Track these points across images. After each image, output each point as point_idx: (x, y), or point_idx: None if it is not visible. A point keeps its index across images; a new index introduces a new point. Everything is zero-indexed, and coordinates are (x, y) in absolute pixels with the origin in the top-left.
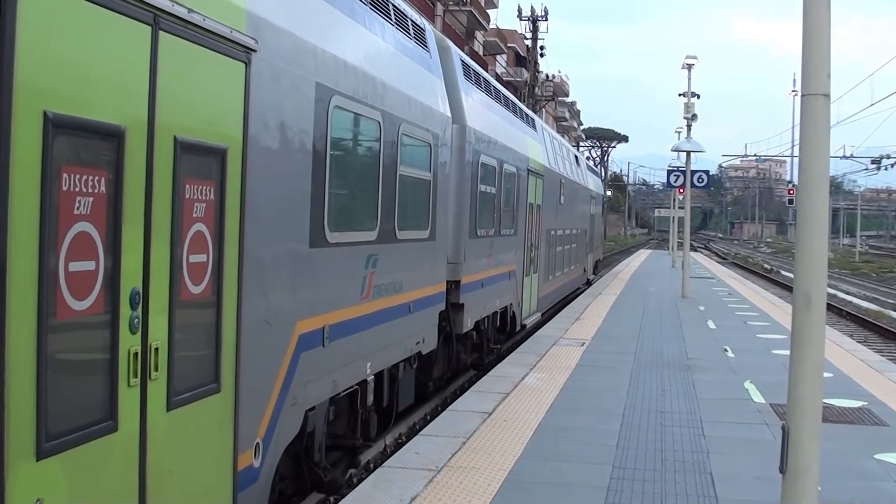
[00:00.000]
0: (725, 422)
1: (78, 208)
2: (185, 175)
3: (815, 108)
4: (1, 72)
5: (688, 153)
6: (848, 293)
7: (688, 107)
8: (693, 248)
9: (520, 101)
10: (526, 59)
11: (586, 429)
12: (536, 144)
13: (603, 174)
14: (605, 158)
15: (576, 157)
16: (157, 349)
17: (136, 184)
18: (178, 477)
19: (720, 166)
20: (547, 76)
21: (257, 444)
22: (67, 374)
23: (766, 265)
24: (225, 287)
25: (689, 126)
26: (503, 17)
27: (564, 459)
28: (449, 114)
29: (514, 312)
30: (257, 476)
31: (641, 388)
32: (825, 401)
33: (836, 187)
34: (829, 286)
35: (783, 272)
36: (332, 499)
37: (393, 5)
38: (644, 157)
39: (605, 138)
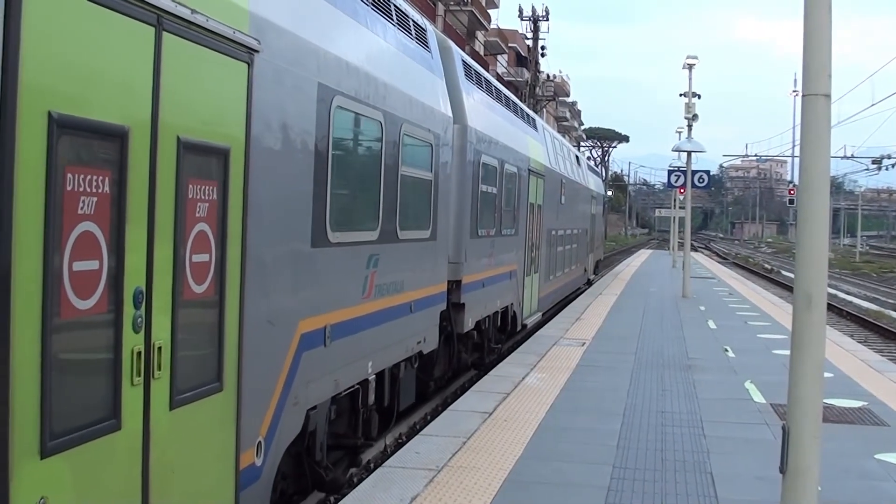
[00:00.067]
0: (726, 422)
1: (82, 208)
2: (187, 175)
3: (815, 109)
4: (6, 72)
5: (688, 153)
6: (848, 293)
7: (688, 107)
8: (694, 248)
9: (521, 101)
10: (527, 58)
11: (587, 429)
12: (537, 144)
13: (604, 174)
14: (606, 158)
15: (576, 157)
16: (160, 348)
17: (139, 184)
18: (181, 475)
19: (721, 166)
20: (548, 76)
21: (259, 442)
22: (71, 372)
23: (766, 265)
24: (227, 287)
25: (689, 126)
26: (504, 17)
27: (565, 459)
28: (450, 114)
29: (514, 312)
30: (259, 475)
31: (642, 388)
32: (825, 401)
33: (836, 187)
34: (830, 286)
35: (784, 272)
36: (332, 498)
37: (394, 6)
38: (645, 157)
39: (606, 138)
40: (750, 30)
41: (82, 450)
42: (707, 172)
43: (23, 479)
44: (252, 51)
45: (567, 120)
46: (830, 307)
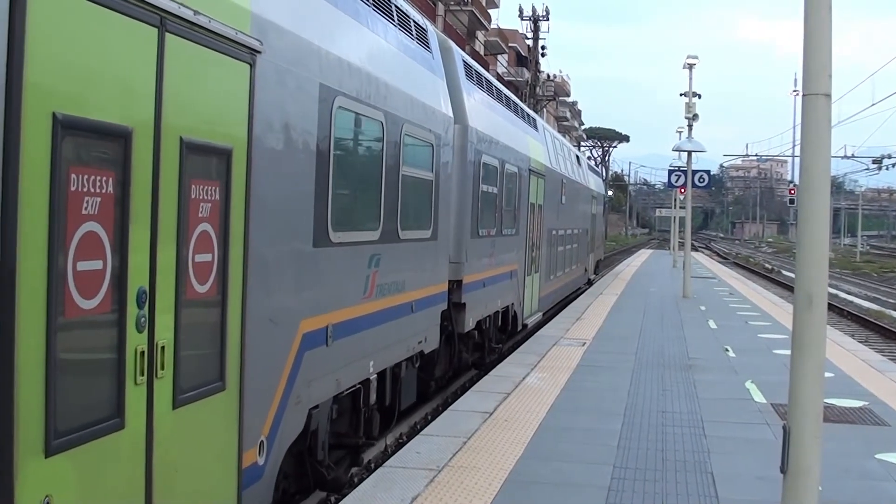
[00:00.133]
0: (726, 422)
1: (86, 208)
2: (190, 175)
3: (816, 108)
4: (11, 74)
5: (689, 153)
6: (849, 293)
7: (689, 107)
8: (694, 248)
9: (521, 100)
10: (527, 58)
11: (587, 429)
12: (538, 144)
13: (604, 174)
14: (607, 158)
15: (577, 156)
16: (163, 348)
17: (142, 184)
18: (184, 474)
19: (721, 166)
20: (548, 76)
21: (261, 441)
22: (75, 371)
23: (767, 265)
24: (230, 286)
25: (690, 126)
26: (504, 17)
27: (565, 459)
28: (451, 114)
29: (515, 312)
30: (261, 473)
31: (642, 388)
32: (826, 401)
33: (837, 187)
34: (831, 286)
35: (784, 272)
36: (333, 498)
37: (395, 6)
38: (645, 157)
39: (607, 138)
40: (751, 30)
41: (86, 449)
42: (707, 172)
43: (27, 477)
44: (254, 52)
45: (567, 120)
46: (831, 307)
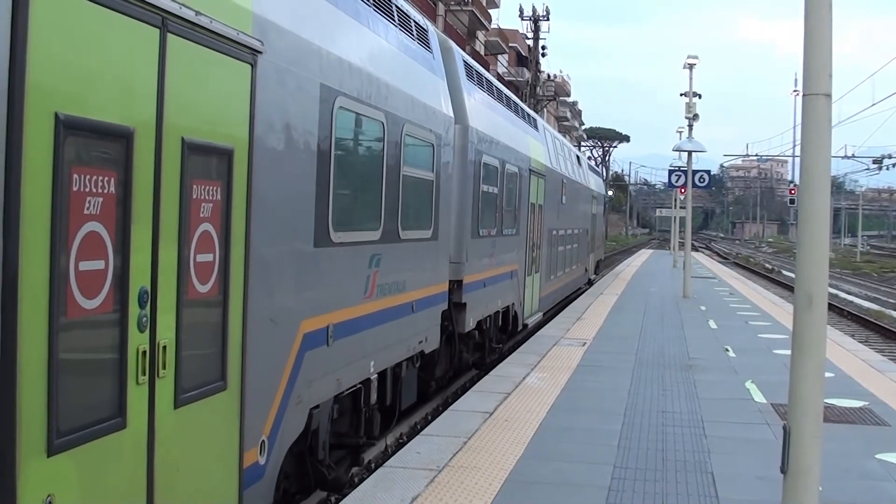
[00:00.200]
0: (727, 422)
1: (88, 208)
2: (192, 175)
3: (816, 108)
4: (14, 74)
5: (689, 153)
6: (849, 293)
7: (689, 106)
8: (694, 248)
9: (521, 100)
10: (527, 58)
11: (587, 429)
12: (538, 144)
13: (604, 174)
14: (607, 158)
15: (577, 156)
16: (164, 347)
17: (144, 184)
18: (185, 473)
19: (722, 166)
20: (548, 76)
21: (263, 441)
22: (77, 371)
23: (767, 265)
24: (231, 286)
25: (690, 126)
26: (504, 17)
27: (566, 459)
28: (451, 114)
29: (515, 312)
30: (263, 473)
31: (643, 388)
32: (826, 401)
33: (837, 187)
34: (831, 286)
35: (784, 272)
36: (333, 498)
37: (396, 6)
38: (645, 157)
39: (607, 138)
40: (751, 30)
41: (88, 448)
42: (708, 172)
43: (30, 477)
44: (255, 52)
45: (568, 120)
46: (831, 307)
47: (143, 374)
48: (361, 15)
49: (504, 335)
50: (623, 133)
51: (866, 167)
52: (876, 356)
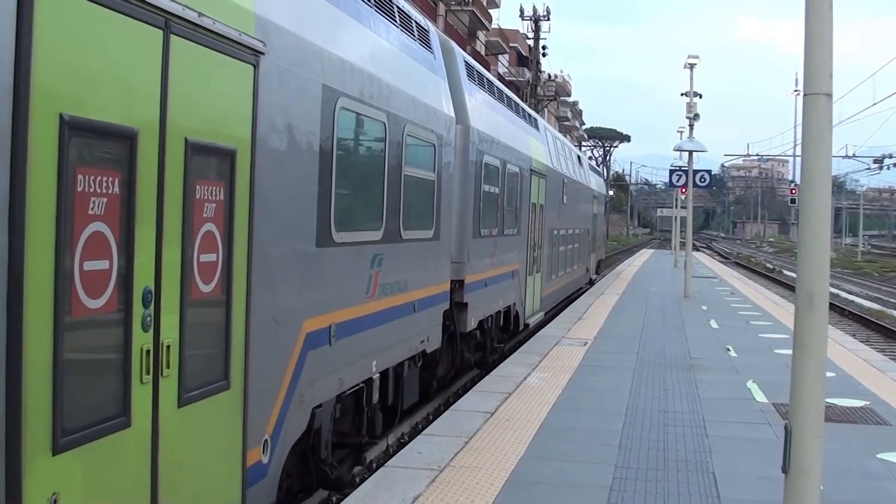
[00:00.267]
0: (728, 421)
1: (92, 209)
2: (195, 176)
3: (817, 108)
4: (19, 75)
5: (690, 153)
6: (850, 293)
7: (690, 106)
8: (695, 248)
9: (522, 100)
10: (528, 58)
11: (589, 429)
12: (539, 144)
13: (605, 174)
14: (608, 158)
15: (578, 156)
16: (168, 347)
17: (148, 185)
18: (189, 472)
19: (722, 166)
20: (549, 76)
21: (266, 440)
22: (82, 370)
23: (768, 265)
24: (234, 286)
25: (691, 126)
26: (505, 17)
27: (567, 459)
28: (453, 114)
29: (517, 312)
30: (266, 472)
31: (644, 388)
32: (827, 400)
33: (838, 187)
34: (832, 286)
35: (785, 272)
36: (335, 497)
37: (397, 7)
38: (646, 157)
39: (608, 138)
40: (751, 29)
41: (93, 447)
42: (708, 172)
43: (35, 475)
44: (258, 53)
45: (568, 120)
46: (832, 307)
47: (147, 373)
48: (363, 15)
49: (505, 335)
50: (624, 133)
51: (867, 167)
52: (877, 356)
